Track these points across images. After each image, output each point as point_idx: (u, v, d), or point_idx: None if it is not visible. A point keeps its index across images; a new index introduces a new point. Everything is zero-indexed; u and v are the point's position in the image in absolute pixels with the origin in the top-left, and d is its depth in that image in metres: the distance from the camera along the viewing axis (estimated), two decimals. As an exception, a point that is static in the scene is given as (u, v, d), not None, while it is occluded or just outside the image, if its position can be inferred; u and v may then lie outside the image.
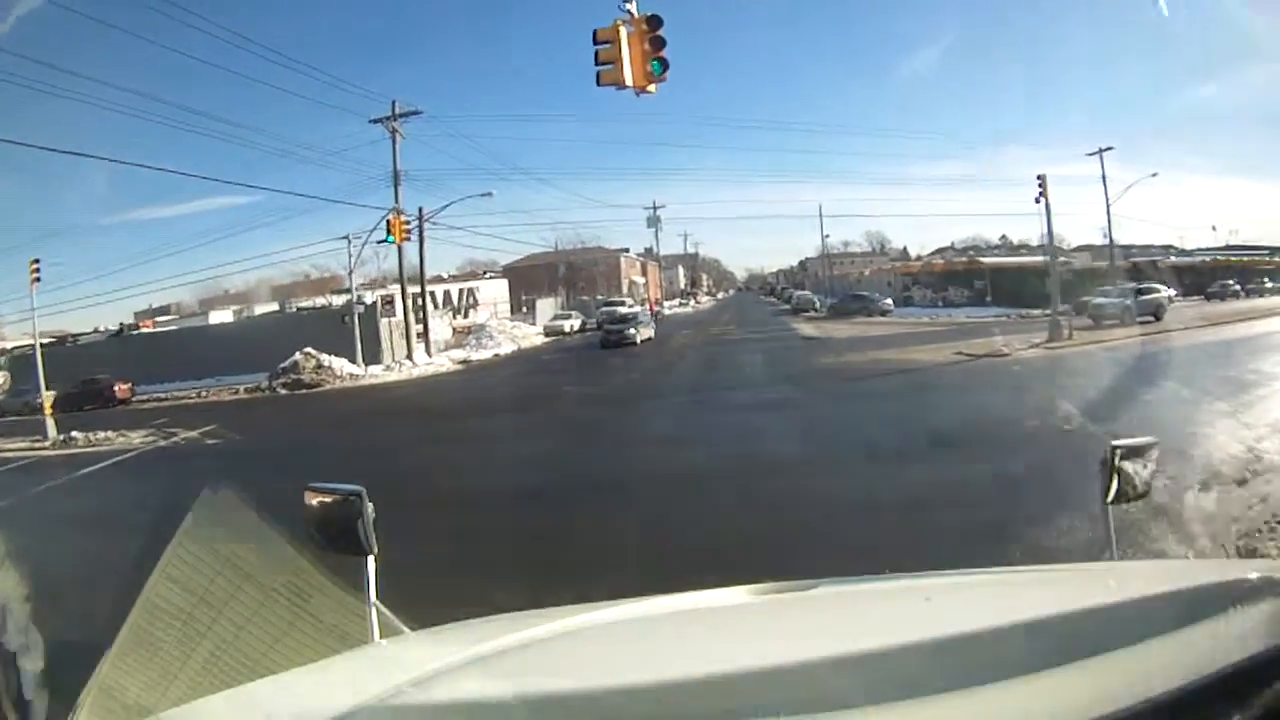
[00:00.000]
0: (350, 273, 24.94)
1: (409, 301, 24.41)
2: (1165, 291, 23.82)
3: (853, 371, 15.67)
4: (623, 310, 30.36)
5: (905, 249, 44.25)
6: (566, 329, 31.39)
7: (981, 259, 34.57)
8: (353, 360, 21.90)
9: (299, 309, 31.30)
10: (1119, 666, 0.98)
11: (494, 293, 37.53)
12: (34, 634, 1.54)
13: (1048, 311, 21.18)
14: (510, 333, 29.02)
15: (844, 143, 60.52)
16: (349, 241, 24.04)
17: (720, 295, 64.20)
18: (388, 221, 23.38)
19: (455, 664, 1.22)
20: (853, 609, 1.54)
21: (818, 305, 35.04)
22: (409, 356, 23.13)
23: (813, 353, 20.00)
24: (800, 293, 38.95)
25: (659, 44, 9.94)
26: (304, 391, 20.38)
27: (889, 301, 31.18)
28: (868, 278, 39.26)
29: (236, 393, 21.11)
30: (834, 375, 15.64)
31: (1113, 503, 1.62)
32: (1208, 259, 31.99)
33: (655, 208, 43.10)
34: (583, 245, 44.18)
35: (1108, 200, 21.50)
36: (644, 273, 50.73)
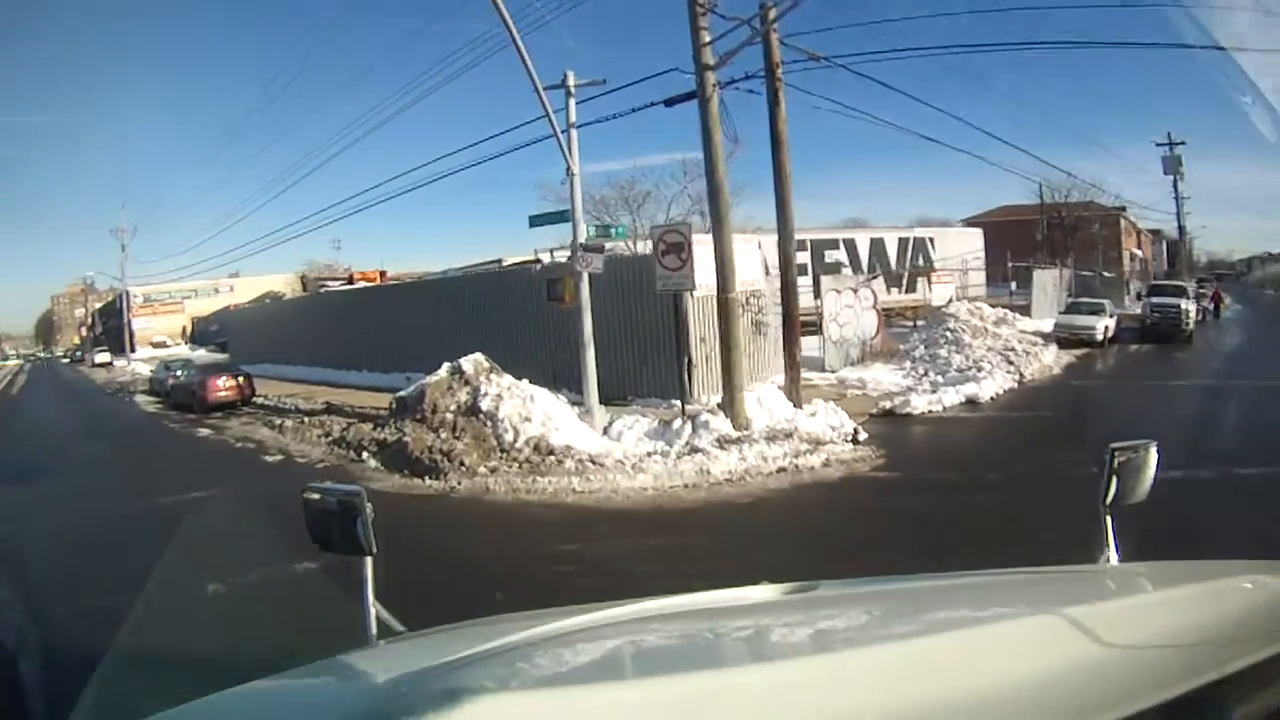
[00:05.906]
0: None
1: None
2: None
3: None
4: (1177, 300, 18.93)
5: None
6: (1099, 332, 17.34)
7: None
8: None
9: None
10: (1119, 667, 0.98)
11: (959, 248, 21.74)
12: (34, 634, 1.54)
13: None
14: (1000, 337, 14.85)
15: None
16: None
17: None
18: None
19: (454, 664, 1.22)
20: (853, 610, 1.54)
21: None
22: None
23: None
24: None
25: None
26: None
27: None
28: None
29: None
30: None
31: (1111, 505, 1.62)
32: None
33: (1171, 144, 26.99)
34: (1065, 198, 30.50)
35: None
36: (1139, 244, 36.98)
